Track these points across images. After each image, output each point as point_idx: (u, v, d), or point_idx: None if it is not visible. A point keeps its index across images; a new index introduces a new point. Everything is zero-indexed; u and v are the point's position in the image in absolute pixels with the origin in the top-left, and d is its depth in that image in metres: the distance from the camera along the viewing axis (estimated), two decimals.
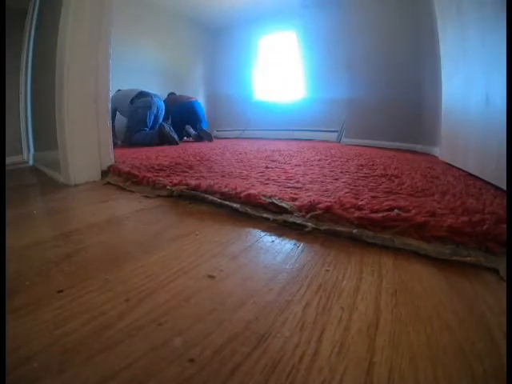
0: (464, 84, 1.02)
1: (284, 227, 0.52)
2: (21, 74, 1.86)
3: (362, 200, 0.56)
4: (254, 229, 0.52)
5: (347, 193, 0.64)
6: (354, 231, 0.46)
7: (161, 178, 0.82)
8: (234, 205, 0.60)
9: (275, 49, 3.41)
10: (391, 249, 0.43)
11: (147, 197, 0.76)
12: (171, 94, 3.00)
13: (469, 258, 0.39)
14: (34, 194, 0.91)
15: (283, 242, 0.46)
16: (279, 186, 0.73)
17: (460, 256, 0.39)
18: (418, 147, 1.81)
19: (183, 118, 2.82)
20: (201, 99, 3.33)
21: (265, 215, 0.56)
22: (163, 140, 2.28)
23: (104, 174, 1.01)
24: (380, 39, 2.01)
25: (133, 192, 0.81)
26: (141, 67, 2.87)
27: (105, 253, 0.43)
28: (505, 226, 0.43)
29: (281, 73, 3.39)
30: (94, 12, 0.93)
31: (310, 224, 0.50)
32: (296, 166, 1.06)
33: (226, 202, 0.62)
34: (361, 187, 0.71)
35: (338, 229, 0.48)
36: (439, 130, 1.33)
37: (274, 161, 1.20)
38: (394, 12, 1.94)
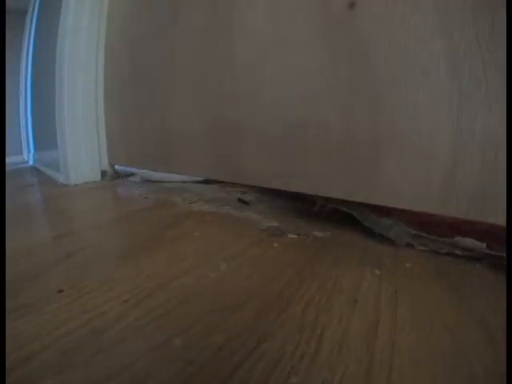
0: None
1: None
2: (21, 73, 1.86)
3: None
4: (253, 228, 0.52)
5: None
6: (354, 213, 0.48)
7: None
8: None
9: None
10: (391, 248, 0.43)
11: (147, 197, 0.76)
12: None
13: (467, 253, 0.39)
14: (34, 194, 0.91)
15: (283, 242, 0.46)
16: None
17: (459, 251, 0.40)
18: None
19: None
20: None
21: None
22: None
23: (104, 174, 1.01)
24: None
25: (133, 192, 0.81)
26: None
27: (104, 253, 0.43)
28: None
29: None
30: (94, 12, 0.93)
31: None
32: None
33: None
34: None
35: (340, 208, 0.51)
36: None
37: None
38: None
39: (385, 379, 0.21)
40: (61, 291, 0.32)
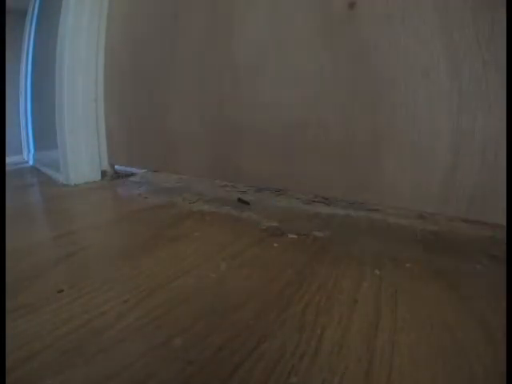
0: None
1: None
2: (21, 73, 1.86)
3: None
4: (253, 228, 0.52)
5: None
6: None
7: None
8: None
9: None
10: (392, 248, 0.43)
11: (147, 197, 0.76)
12: None
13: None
14: (34, 194, 0.91)
15: (283, 242, 0.46)
16: None
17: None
18: None
19: None
20: None
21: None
22: None
23: (104, 174, 1.01)
24: None
25: (133, 192, 0.81)
26: None
27: (104, 253, 0.43)
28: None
29: None
30: (94, 12, 0.93)
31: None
32: None
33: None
34: None
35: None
36: None
37: None
38: None
39: (385, 379, 0.21)
40: (61, 291, 0.32)
